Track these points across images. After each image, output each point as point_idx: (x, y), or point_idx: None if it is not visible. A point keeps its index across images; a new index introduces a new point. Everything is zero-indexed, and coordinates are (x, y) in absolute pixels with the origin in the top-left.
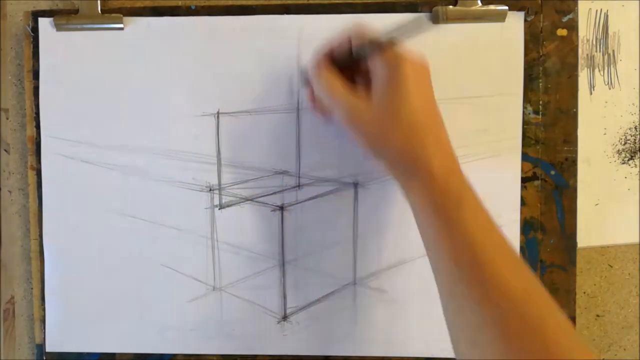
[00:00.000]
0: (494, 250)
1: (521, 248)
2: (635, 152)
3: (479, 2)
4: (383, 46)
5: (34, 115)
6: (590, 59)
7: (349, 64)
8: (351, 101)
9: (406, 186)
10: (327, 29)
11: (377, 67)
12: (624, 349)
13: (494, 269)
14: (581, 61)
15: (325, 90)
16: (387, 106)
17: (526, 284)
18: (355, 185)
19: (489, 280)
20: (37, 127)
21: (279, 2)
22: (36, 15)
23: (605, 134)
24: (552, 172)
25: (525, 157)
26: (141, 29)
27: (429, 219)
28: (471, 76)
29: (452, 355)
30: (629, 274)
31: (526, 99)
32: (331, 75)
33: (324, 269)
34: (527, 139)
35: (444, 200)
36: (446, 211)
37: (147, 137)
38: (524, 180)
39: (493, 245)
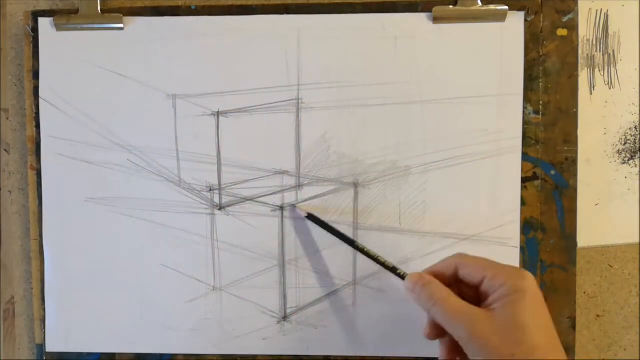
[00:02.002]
0: None
1: (521, 248)
2: (635, 152)
3: (479, 2)
4: (497, 268)
5: (34, 115)
6: (591, 59)
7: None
8: (475, 313)
9: None
10: (327, 29)
11: (497, 281)
12: (624, 349)
13: None
14: (581, 61)
15: (442, 307)
16: (515, 316)
17: None
18: (355, 185)
19: None
20: (37, 127)
21: (279, 2)
22: (36, 15)
23: (605, 134)
24: (552, 172)
25: (525, 157)
26: (141, 29)
27: None
28: (471, 76)
29: None
30: (629, 274)
31: (526, 99)
32: (445, 290)
33: (324, 269)
34: (527, 139)
35: None
36: None
37: (148, 137)
38: (524, 180)
39: None
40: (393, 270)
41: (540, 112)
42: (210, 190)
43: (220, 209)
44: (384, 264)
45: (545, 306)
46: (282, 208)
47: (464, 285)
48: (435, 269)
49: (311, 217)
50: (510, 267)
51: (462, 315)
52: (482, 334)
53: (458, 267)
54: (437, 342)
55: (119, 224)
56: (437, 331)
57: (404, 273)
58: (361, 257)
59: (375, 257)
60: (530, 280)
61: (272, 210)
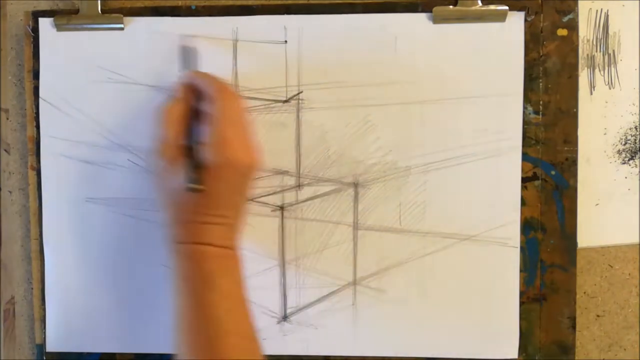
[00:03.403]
0: (233, 340)
1: (521, 248)
2: (635, 152)
3: (479, 2)
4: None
5: (34, 115)
6: (591, 59)
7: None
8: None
9: (172, 252)
10: (327, 29)
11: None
12: (624, 349)
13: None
14: (581, 61)
15: (162, 122)
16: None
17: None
18: (355, 185)
19: None
20: (37, 127)
21: (279, 2)
22: (36, 15)
23: (605, 134)
24: (553, 172)
25: (525, 157)
26: (141, 29)
27: (181, 294)
28: (471, 76)
29: (451, 355)
30: (629, 274)
31: (526, 99)
32: (178, 113)
33: (324, 269)
34: (528, 139)
35: (195, 282)
36: (197, 293)
37: (148, 137)
38: (524, 180)
39: (233, 333)
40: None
41: (540, 112)
42: None
43: None
44: None
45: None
46: (282, 208)
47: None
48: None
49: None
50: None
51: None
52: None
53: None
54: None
55: (119, 224)
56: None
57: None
58: (361, 257)
59: None
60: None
61: (272, 210)
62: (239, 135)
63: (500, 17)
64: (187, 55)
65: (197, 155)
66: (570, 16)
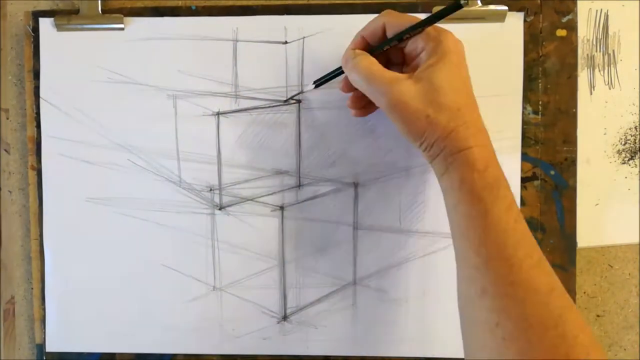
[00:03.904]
0: (521, 246)
1: None
2: (635, 152)
3: (479, 2)
4: (422, 25)
5: (34, 115)
6: (591, 59)
7: (381, 52)
8: (395, 80)
9: (444, 169)
10: (327, 29)
11: (419, 44)
12: (624, 349)
13: (521, 266)
14: (581, 61)
15: (366, 77)
16: (432, 79)
17: (550, 282)
18: (355, 185)
19: (516, 275)
20: (37, 127)
21: (279, 2)
22: (37, 15)
23: (605, 134)
24: (552, 172)
25: (525, 157)
26: (141, 29)
27: (463, 207)
28: (471, 76)
29: (451, 355)
30: (629, 274)
31: (526, 99)
32: (369, 61)
33: (324, 269)
34: (527, 139)
35: (481, 192)
36: (482, 202)
37: (148, 137)
38: (524, 180)
39: (521, 241)
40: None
41: (540, 112)
42: (211, 190)
43: (220, 209)
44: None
45: (465, 67)
46: (282, 208)
47: (392, 49)
48: (365, 31)
49: (318, 83)
50: (433, 28)
51: (382, 84)
52: (400, 100)
53: (386, 27)
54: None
55: (119, 224)
56: (350, 86)
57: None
58: (361, 257)
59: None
60: (449, 41)
61: (272, 210)
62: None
63: (500, 17)
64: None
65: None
66: (570, 16)
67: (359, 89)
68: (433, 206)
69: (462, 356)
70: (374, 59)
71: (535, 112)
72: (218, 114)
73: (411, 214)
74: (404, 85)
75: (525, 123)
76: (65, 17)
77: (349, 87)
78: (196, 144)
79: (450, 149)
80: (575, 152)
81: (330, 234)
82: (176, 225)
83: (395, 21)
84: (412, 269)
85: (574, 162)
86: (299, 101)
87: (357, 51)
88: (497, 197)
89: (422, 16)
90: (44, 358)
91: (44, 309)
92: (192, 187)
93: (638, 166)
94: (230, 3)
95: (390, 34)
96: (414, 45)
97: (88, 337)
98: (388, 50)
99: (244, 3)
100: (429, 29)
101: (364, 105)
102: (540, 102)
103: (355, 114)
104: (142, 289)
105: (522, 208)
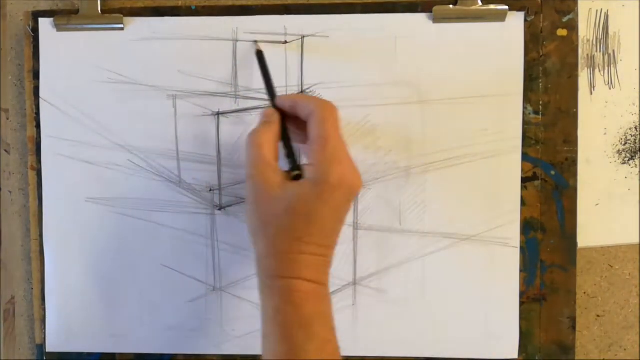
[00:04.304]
0: None
1: (521, 248)
2: (635, 152)
3: (479, 2)
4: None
5: (34, 115)
6: (591, 59)
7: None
8: (269, 180)
9: (265, 287)
10: (327, 29)
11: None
12: (624, 349)
13: None
14: (581, 61)
15: (250, 154)
16: (305, 208)
17: None
18: None
19: None
20: (37, 127)
21: (279, 2)
22: (36, 15)
23: (605, 134)
24: (552, 172)
25: (525, 157)
26: (141, 29)
27: (275, 337)
28: (471, 76)
29: (451, 355)
30: (629, 274)
31: (526, 99)
32: (265, 138)
33: None
34: (527, 139)
35: (294, 329)
36: (294, 341)
37: (148, 137)
38: (524, 180)
39: None
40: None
41: (540, 112)
42: (210, 190)
43: (220, 209)
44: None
45: (340, 202)
46: None
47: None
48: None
49: (259, 55)
50: (325, 148)
51: (259, 172)
52: (261, 190)
53: (297, 106)
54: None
55: (119, 224)
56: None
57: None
58: (361, 257)
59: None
60: (333, 178)
61: None
62: (346, 154)
63: (500, 17)
64: (262, 59)
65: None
66: (570, 16)
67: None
68: (433, 206)
69: (462, 356)
70: (270, 145)
71: (536, 112)
72: (218, 114)
73: (411, 214)
74: (273, 191)
75: (525, 123)
76: (65, 17)
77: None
78: (196, 144)
79: (278, 263)
80: (575, 152)
81: None
82: (176, 225)
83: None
84: (412, 269)
85: (574, 162)
86: None
87: (269, 116)
88: (309, 338)
89: (422, 16)
90: (44, 358)
91: (44, 309)
92: (192, 187)
93: (638, 166)
94: (230, 3)
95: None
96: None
97: (88, 337)
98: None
99: (244, 3)
100: (321, 141)
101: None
102: (540, 102)
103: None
104: (142, 289)
105: (523, 208)
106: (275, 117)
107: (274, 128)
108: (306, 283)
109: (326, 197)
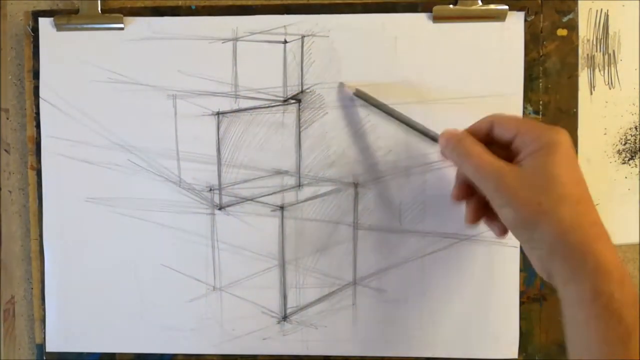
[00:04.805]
0: None
1: (521, 248)
2: (635, 152)
3: (479, 1)
4: (532, 124)
5: (34, 115)
6: (591, 59)
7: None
8: (504, 166)
9: (569, 274)
10: (327, 29)
11: (526, 138)
12: None
13: None
14: (581, 61)
15: (474, 164)
16: (546, 168)
17: None
18: (355, 185)
19: None
20: (37, 127)
21: (279, 2)
22: (36, 15)
23: (605, 134)
24: None
25: None
26: (141, 29)
27: (597, 326)
28: (471, 76)
29: (452, 355)
30: (629, 274)
31: (526, 99)
32: (479, 148)
33: (324, 269)
34: None
35: (622, 310)
36: (623, 323)
37: (148, 137)
38: None
39: None
40: (425, 133)
41: (540, 112)
42: (210, 190)
43: (220, 209)
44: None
45: (577, 162)
46: (282, 208)
47: (497, 145)
48: (471, 128)
49: (359, 94)
50: (543, 125)
51: (491, 169)
52: (509, 186)
53: (493, 125)
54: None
55: (119, 224)
56: (465, 191)
57: (436, 134)
58: (361, 257)
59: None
60: (563, 135)
61: (272, 210)
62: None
63: (500, 16)
64: (365, 97)
65: None
66: (570, 16)
67: (463, 173)
68: (433, 206)
69: (462, 356)
70: (483, 146)
71: (536, 112)
72: (218, 114)
73: (411, 214)
74: (514, 173)
75: None
76: (65, 17)
77: (463, 194)
78: (196, 144)
79: (575, 249)
80: (575, 152)
81: (330, 234)
82: (176, 225)
83: (502, 122)
84: (412, 269)
85: None
86: (298, 101)
87: (463, 133)
88: (635, 311)
89: (422, 16)
90: (44, 358)
91: (44, 309)
92: (192, 187)
93: (638, 166)
94: (230, 3)
95: (497, 133)
96: (524, 137)
97: (88, 337)
98: (493, 144)
99: (244, 3)
100: (542, 124)
101: (466, 194)
102: (540, 102)
103: (469, 221)
104: (142, 289)
105: None
106: (463, 134)
107: (471, 140)
108: (614, 255)
109: (564, 152)
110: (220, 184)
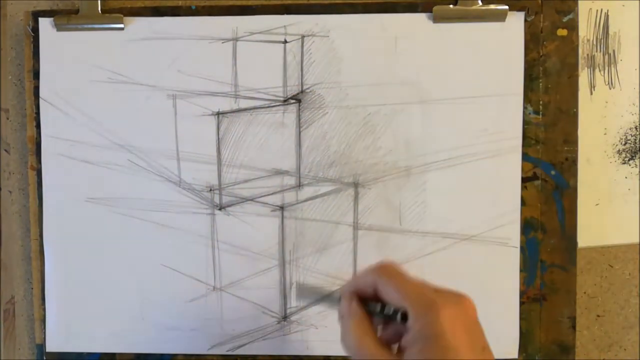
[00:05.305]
0: None
1: (521, 248)
2: (635, 152)
3: (479, 1)
4: (413, 290)
5: (34, 115)
6: (591, 59)
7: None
8: None
9: None
10: (327, 29)
11: (410, 317)
12: (624, 349)
13: None
14: (581, 61)
15: (355, 346)
16: None
17: None
18: (355, 185)
19: None
20: (37, 127)
21: (279, 2)
22: (36, 15)
23: (605, 134)
24: (553, 172)
25: (525, 157)
26: (141, 29)
27: None
28: (471, 76)
29: None
30: (629, 274)
31: (526, 99)
32: (362, 329)
33: (324, 269)
34: (528, 139)
35: None
36: None
37: (148, 137)
38: (524, 180)
39: None
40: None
41: (541, 112)
42: (210, 190)
43: (220, 209)
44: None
45: (463, 339)
46: (282, 208)
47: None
48: (358, 284)
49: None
50: (426, 297)
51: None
52: None
53: (377, 288)
54: None
55: (119, 224)
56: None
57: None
58: (361, 257)
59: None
60: (443, 317)
61: (272, 210)
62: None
63: (500, 16)
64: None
65: None
66: (570, 16)
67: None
68: (433, 206)
69: None
70: (368, 326)
71: (536, 112)
72: (218, 114)
73: (411, 214)
74: None
75: (526, 123)
76: (65, 17)
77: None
78: (196, 144)
79: None
80: (575, 152)
81: (330, 234)
82: (176, 225)
83: (387, 283)
84: (412, 269)
85: (574, 162)
86: (298, 101)
87: (354, 309)
88: None
89: (422, 16)
90: (44, 358)
91: (44, 309)
92: (192, 187)
93: (638, 166)
94: (230, 3)
95: (384, 297)
96: (409, 317)
97: (88, 337)
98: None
99: (244, 3)
100: (424, 297)
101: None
102: (541, 102)
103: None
104: (142, 289)
105: (523, 208)
106: (354, 309)
107: (361, 321)
108: None
109: (440, 346)
110: (220, 184)
